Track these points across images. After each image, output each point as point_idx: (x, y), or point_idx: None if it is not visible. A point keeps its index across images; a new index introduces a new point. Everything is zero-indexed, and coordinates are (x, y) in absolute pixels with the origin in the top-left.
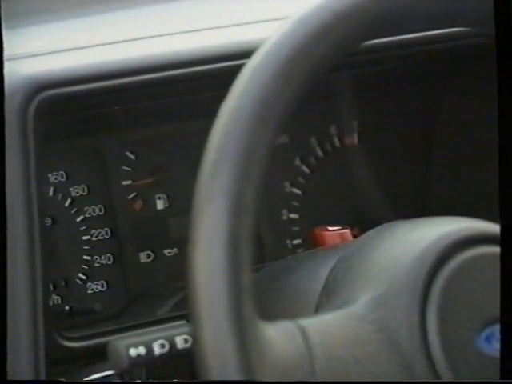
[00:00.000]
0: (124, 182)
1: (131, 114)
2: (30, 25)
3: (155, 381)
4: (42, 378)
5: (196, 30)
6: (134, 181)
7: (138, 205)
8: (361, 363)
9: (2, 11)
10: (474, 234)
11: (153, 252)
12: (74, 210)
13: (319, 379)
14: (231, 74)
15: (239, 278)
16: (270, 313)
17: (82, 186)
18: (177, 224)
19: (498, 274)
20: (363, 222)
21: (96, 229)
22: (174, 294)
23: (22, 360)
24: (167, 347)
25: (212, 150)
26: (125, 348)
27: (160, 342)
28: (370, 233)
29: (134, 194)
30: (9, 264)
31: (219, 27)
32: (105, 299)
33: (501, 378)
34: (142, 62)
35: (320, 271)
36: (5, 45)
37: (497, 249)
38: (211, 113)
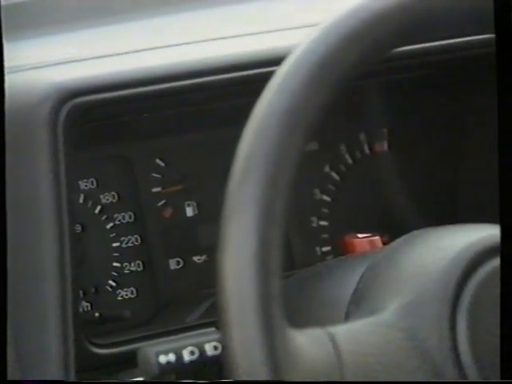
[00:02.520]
0: (154, 189)
1: (161, 121)
2: (60, 32)
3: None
4: None
5: (225, 38)
6: (163, 188)
7: (168, 212)
8: (390, 371)
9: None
10: None
11: (182, 259)
12: (104, 217)
13: None
14: (260, 81)
15: (269, 285)
16: (300, 320)
17: (112, 193)
18: (206, 231)
19: None
20: (393, 229)
21: (126, 236)
22: (203, 301)
23: (52, 366)
24: (197, 354)
25: (241, 158)
26: (154, 355)
27: (190, 348)
28: (400, 240)
29: (163, 201)
30: (39, 271)
31: (248, 34)
32: (134, 306)
33: (501, 378)
34: (171, 70)
35: (349, 278)
36: (34, 52)
37: None
38: (241, 120)
